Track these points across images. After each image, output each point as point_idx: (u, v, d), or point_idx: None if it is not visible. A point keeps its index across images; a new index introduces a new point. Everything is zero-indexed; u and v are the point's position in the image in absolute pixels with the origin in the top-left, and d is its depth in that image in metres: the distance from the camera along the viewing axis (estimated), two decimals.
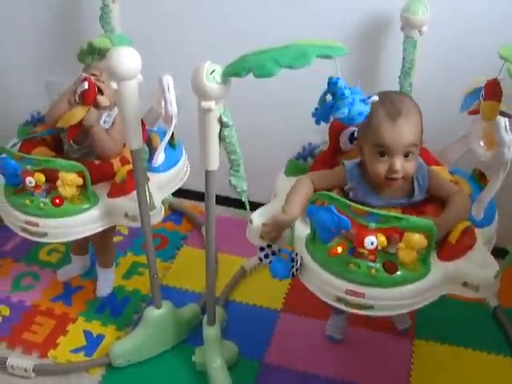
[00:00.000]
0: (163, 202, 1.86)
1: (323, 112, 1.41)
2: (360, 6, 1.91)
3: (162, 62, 2.02)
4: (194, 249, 2.29)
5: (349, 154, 1.68)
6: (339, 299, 1.43)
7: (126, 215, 1.73)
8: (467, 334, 1.93)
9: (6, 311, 2.02)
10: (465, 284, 1.44)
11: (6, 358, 1.81)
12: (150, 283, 1.79)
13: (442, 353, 1.88)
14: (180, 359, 1.85)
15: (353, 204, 1.38)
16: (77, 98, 1.74)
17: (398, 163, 1.45)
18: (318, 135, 1.74)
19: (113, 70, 1.38)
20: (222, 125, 1.33)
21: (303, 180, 1.58)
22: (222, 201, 2.07)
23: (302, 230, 1.50)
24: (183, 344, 1.90)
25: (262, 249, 1.51)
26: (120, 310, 2.02)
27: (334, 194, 1.43)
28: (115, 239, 2.15)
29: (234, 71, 1.25)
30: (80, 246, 2.10)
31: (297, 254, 1.47)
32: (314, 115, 1.43)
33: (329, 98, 1.40)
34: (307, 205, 1.45)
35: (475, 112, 1.49)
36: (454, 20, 1.84)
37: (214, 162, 1.41)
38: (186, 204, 2.46)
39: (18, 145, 1.86)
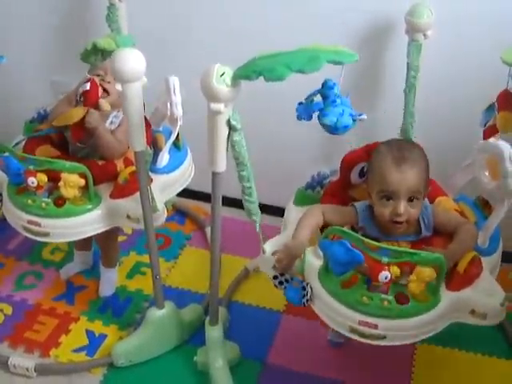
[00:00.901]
0: (167, 202, 1.87)
1: (308, 110, 1.42)
2: (364, 7, 1.91)
3: (168, 61, 2.05)
4: (198, 249, 2.29)
5: (358, 188, 1.71)
6: (352, 329, 1.45)
7: (128, 217, 1.73)
8: (468, 337, 1.93)
9: (9, 310, 2.02)
10: (472, 312, 1.47)
11: (8, 357, 1.81)
12: (152, 283, 1.79)
13: (444, 356, 1.89)
14: (182, 359, 1.85)
15: (366, 239, 1.40)
16: (78, 98, 1.74)
17: (402, 207, 1.48)
18: (325, 164, 1.78)
19: (117, 72, 1.38)
20: (231, 128, 1.34)
21: (314, 209, 1.60)
22: (226, 201, 2.06)
23: (313, 260, 1.52)
24: (185, 344, 1.90)
25: (275, 277, 1.53)
26: (122, 310, 2.02)
27: (347, 229, 1.45)
28: (119, 238, 2.14)
29: (244, 74, 1.25)
30: (83, 242, 2.08)
31: (307, 284, 1.49)
32: (297, 109, 1.44)
33: (318, 98, 1.41)
34: (320, 238, 1.47)
35: (492, 129, 1.49)
36: (460, 23, 1.84)
37: (222, 164, 1.41)
38: (189, 204, 2.46)
39: (23, 142, 1.86)
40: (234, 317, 1.97)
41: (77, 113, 1.72)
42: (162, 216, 1.75)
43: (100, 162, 1.77)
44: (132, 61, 1.37)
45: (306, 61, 1.22)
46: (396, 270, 1.37)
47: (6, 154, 1.70)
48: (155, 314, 1.82)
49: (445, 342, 1.92)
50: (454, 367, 1.86)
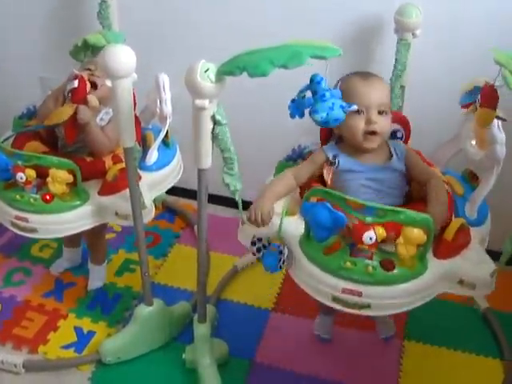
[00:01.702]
0: (156, 200, 1.86)
1: (299, 107, 1.42)
2: (354, 5, 1.92)
3: (160, 58, 2.04)
4: (187, 247, 2.29)
5: None
6: (335, 299, 1.42)
7: (117, 214, 1.73)
8: (457, 335, 1.94)
9: None
10: (461, 282, 1.44)
11: None
12: (141, 281, 1.79)
13: (432, 354, 1.89)
14: (170, 357, 1.85)
15: (349, 198, 1.38)
16: (66, 96, 1.75)
17: (374, 114, 1.53)
18: (311, 137, 1.75)
19: (107, 68, 1.38)
20: (216, 123, 1.34)
21: (283, 173, 1.61)
22: (216, 199, 2.06)
23: (294, 228, 1.49)
24: (174, 342, 1.90)
25: (253, 243, 1.52)
26: (111, 307, 2.02)
27: (329, 189, 1.42)
28: (108, 236, 2.16)
29: (228, 70, 1.26)
30: (72, 239, 2.09)
31: (284, 246, 1.48)
32: (289, 108, 1.44)
33: (308, 94, 1.41)
34: (302, 202, 1.46)
35: (468, 106, 1.50)
36: (448, 23, 1.86)
37: (207, 161, 1.42)
38: (179, 202, 2.46)
39: (12, 138, 1.86)
40: (222, 315, 1.97)
41: (66, 111, 1.72)
42: (150, 213, 1.75)
43: (88, 159, 1.78)
44: (122, 57, 1.38)
45: (290, 56, 1.22)
46: (381, 232, 1.33)
47: None
48: (144, 310, 1.82)
49: (433, 339, 1.92)
50: (442, 365, 1.85)
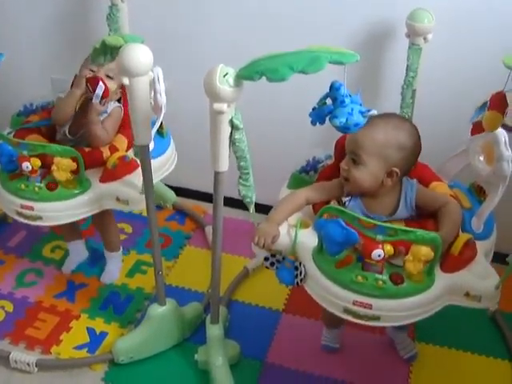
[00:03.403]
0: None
1: (320, 114, 1.44)
2: (365, 11, 1.94)
3: (171, 59, 2.05)
4: (197, 248, 2.31)
5: None
6: (346, 310, 1.45)
7: (118, 199, 1.78)
8: (466, 337, 1.96)
9: (10, 307, 2.03)
10: (467, 295, 1.47)
11: (10, 352, 1.82)
12: (154, 280, 1.80)
13: (442, 356, 1.91)
14: (183, 357, 1.87)
15: (361, 217, 1.41)
16: (96, 100, 1.80)
17: (344, 163, 1.56)
18: (323, 149, 1.77)
19: (125, 67, 1.39)
20: (233, 127, 1.35)
21: (297, 193, 1.62)
22: (226, 201, 2.06)
23: (307, 241, 1.52)
24: (186, 342, 1.92)
25: (266, 258, 1.55)
26: (123, 308, 2.04)
27: (342, 208, 1.45)
28: (120, 237, 2.18)
29: (246, 74, 1.27)
30: (71, 231, 2.14)
31: (300, 264, 1.50)
32: (310, 115, 1.46)
33: (328, 101, 1.43)
34: (315, 218, 1.48)
35: (478, 126, 1.52)
36: (459, 28, 1.87)
37: (224, 164, 1.43)
38: (189, 204, 2.48)
39: (12, 134, 1.90)
40: (233, 316, 1.98)
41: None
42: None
43: (87, 149, 1.83)
44: (140, 55, 1.39)
45: (308, 61, 1.23)
46: (389, 248, 1.38)
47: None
48: (157, 310, 1.84)
49: (443, 341, 1.94)
50: (452, 366, 1.87)
